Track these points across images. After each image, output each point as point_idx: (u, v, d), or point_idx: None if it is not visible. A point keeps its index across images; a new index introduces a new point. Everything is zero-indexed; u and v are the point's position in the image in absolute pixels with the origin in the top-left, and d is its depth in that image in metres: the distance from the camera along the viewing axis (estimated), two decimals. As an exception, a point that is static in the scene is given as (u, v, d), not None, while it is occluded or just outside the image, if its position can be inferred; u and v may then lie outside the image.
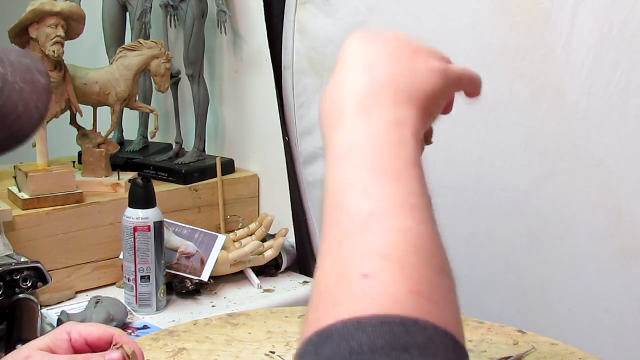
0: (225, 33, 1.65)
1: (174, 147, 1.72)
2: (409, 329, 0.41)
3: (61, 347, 0.72)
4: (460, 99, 0.64)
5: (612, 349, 1.12)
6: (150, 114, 1.68)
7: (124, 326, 1.29)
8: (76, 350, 0.73)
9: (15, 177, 1.49)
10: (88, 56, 1.78)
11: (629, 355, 1.12)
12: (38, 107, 0.68)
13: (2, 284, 1.18)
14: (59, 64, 1.45)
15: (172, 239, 1.43)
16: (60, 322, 1.23)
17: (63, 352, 0.72)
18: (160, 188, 1.52)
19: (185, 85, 1.72)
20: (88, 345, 0.73)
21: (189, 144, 1.71)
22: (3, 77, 0.67)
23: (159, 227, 1.36)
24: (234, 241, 1.52)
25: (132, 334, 1.28)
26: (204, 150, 1.70)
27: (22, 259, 1.23)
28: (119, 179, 1.54)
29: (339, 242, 0.47)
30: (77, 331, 0.73)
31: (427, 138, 0.64)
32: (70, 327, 0.73)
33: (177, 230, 1.46)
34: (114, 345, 0.71)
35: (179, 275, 1.43)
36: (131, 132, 1.82)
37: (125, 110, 1.63)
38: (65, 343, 0.72)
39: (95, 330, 0.73)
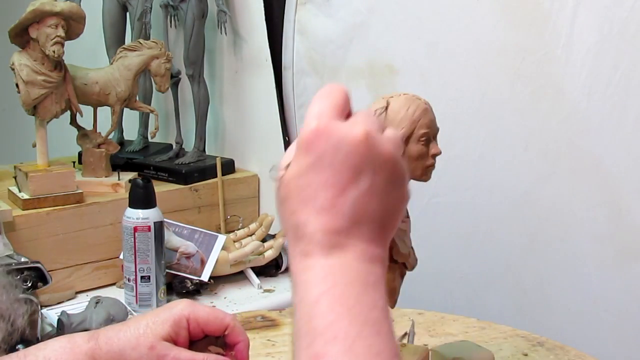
0: (225, 33, 1.65)
1: (174, 147, 1.72)
2: None
3: (181, 335, 0.74)
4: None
5: (612, 349, 1.12)
6: (150, 114, 1.68)
7: (124, 326, 1.29)
8: (192, 336, 0.75)
9: (15, 177, 1.49)
10: (88, 56, 1.77)
11: (628, 355, 1.12)
12: None
13: (2, 284, 1.18)
14: (59, 64, 1.45)
15: (172, 239, 1.43)
16: (60, 322, 1.23)
17: (182, 340, 0.73)
18: (160, 188, 1.51)
19: (185, 85, 1.72)
20: (202, 330, 0.75)
21: (189, 144, 1.71)
22: None
23: (159, 227, 1.36)
24: (234, 241, 1.52)
25: (132, 334, 1.27)
26: (204, 150, 1.70)
27: (22, 259, 1.23)
28: (119, 179, 1.54)
29: None
30: (194, 319, 0.74)
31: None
32: (189, 312, 0.74)
33: (177, 230, 1.46)
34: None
35: (179, 275, 1.43)
36: (131, 132, 1.82)
37: (125, 110, 1.63)
38: (184, 331, 0.74)
39: (211, 320, 0.75)
